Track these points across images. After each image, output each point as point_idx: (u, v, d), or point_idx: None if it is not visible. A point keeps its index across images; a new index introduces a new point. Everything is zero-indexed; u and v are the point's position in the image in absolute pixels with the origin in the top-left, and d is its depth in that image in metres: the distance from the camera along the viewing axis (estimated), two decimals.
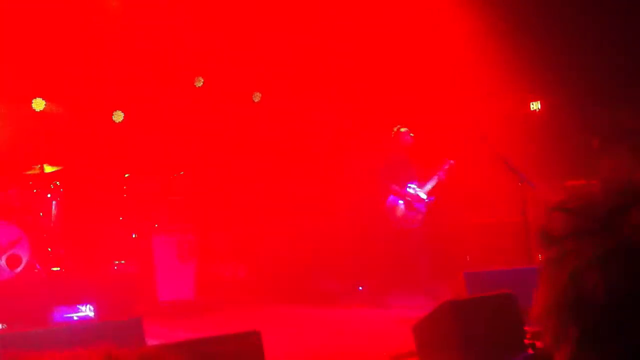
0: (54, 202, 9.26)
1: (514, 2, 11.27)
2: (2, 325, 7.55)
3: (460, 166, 9.16)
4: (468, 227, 10.42)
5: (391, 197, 8.84)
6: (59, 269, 9.06)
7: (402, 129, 8.97)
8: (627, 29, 10.79)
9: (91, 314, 8.45)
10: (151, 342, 5.72)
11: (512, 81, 11.07)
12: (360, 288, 10.47)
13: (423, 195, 8.87)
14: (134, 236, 9.78)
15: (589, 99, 11.27)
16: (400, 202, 8.78)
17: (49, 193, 9.26)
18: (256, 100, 12.19)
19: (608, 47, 11.02)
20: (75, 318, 8.33)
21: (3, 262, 8.67)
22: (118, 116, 11.26)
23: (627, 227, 0.78)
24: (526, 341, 5.66)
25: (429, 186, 8.96)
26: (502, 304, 6.05)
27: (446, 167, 8.94)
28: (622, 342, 0.75)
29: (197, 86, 11.79)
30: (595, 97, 11.23)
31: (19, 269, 8.70)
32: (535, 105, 12.31)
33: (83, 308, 8.49)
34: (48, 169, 9.37)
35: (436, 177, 9.05)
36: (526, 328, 5.84)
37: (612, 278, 0.76)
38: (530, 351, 5.59)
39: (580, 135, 11.29)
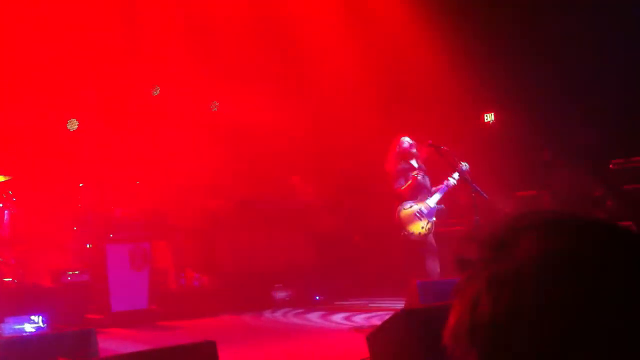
0: (6, 212, 9.11)
1: (472, 19, 11.49)
2: None
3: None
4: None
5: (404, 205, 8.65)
6: (10, 279, 8.91)
7: (405, 139, 8.68)
8: (581, 44, 11.08)
9: (43, 325, 8.34)
10: (105, 354, 5.68)
11: (466, 93, 11.26)
12: (317, 297, 10.52)
13: (432, 204, 8.73)
14: (88, 246, 9.66)
15: (541, 112, 11.52)
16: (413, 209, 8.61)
17: (0, 203, 9.11)
18: (214, 109, 12.20)
19: (560, 61, 11.29)
20: (27, 329, 8.21)
21: None
22: (72, 124, 11.14)
23: (515, 252, 0.83)
24: None
25: (438, 195, 8.68)
26: None
27: (459, 171, 8.47)
28: None
29: (154, 95, 11.74)
30: (547, 110, 11.48)
31: None
32: (489, 117, 12.54)
33: (35, 319, 8.37)
34: (0, 178, 9.22)
35: (445, 186, 8.70)
36: None
37: (501, 302, 0.80)
38: None
39: (532, 146, 11.52)
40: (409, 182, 8.60)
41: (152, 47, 11.28)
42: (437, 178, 8.72)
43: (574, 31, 11.15)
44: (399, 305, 8.78)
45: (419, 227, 8.50)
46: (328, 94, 11.54)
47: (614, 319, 0.78)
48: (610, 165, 10.41)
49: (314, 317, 9.39)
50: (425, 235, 8.52)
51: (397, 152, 8.69)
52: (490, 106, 12.43)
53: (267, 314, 9.75)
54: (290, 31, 11.45)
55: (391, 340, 5.87)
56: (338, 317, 9.26)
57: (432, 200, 8.60)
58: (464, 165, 8.58)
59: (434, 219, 8.60)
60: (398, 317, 6.01)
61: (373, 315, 9.12)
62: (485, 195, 8.42)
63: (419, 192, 8.62)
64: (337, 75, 11.37)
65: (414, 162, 8.74)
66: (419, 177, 8.60)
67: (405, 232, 8.46)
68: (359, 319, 9.09)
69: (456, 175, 8.54)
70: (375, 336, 6.06)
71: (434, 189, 8.66)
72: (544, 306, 0.79)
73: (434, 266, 8.48)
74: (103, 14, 10.78)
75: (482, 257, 0.86)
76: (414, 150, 8.69)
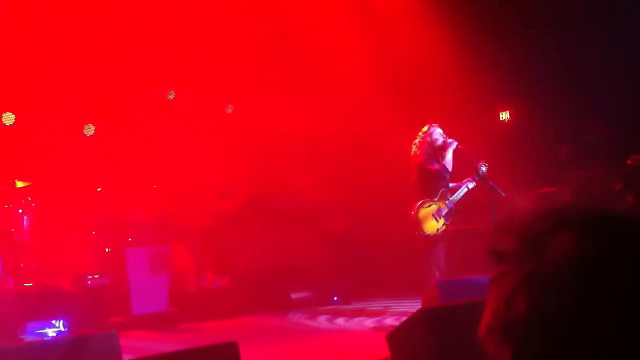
0: (25, 218, 9.20)
1: (486, 17, 11.47)
2: None
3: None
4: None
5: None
6: (31, 284, 8.99)
7: (439, 133, 8.38)
8: (594, 42, 11.03)
9: (64, 329, 8.41)
10: (127, 356, 5.72)
11: (482, 91, 11.23)
12: (336, 298, 10.52)
13: (451, 205, 8.38)
14: (107, 250, 9.74)
15: (559, 108, 11.48)
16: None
17: (20, 208, 9.19)
18: (228, 112, 12.24)
19: (577, 57, 11.24)
20: (49, 333, 8.29)
21: None
22: (89, 130, 11.23)
23: (550, 250, 0.83)
24: None
25: (457, 196, 8.43)
26: (476, 311, 6.13)
27: (480, 173, 8.33)
28: None
29: (169, 99, 11.80)
30: (564, 106, 11.43)
31: None
32: (505, 115, 12.51)
33: (56, 323, 8.45)
34: (20, 184, 9.31)
35: (465, 185, 8.47)
36: None
37: (536, 299, 0.81)
38: None
39: (550, 143, 11.48)
40: (439, 167, 8.39)
41: (166, 51, 11.34)
42: (453, 176, 8.62)
43: (589, 27, 11.10)
44: (415, 305, 8.72)
45: (435, 228, 8.33)
46: (342, 93, 11.54)
47: None
48: (629, 162, 10.34)
49: (334, 318, 9.39)
50: (440, 236, 8.39)
51: (430, 143, 8.41)
52: (506, 104, 12.40)
53: (287, 315, 9.77)
54: (301, 32, 11.47)
55: (412, 339, 5.86)
56: (357, 318, 9.26)
57: (451, 202, 8.42)
58: (484, 166, 8.46)
59: (450, 220, 8.48)
60: (419, 316, 6.01)
61: (390, 316, 9.12)
62: (502, 193, 8.36)
63: (438, 188, 8.45)
64: (349, 75, 11.36)
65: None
66: (444, 172, 8.46)
67: (420, 232, 8.36)
68: (377, 319, 9.07)
69: (476, 178, 8.44)
70: (396, 335, 6.06)
71: (452, 185, 8.55)
72: (579, 308, 0.79)
73: (438, 267, 8.30)
74: (118, 19, 10.85)
75: (518, 250, 0.85)
76: (443, 143, 8.46)
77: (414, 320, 6.01)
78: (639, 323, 0.78)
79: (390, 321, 8.52)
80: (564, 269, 0.81)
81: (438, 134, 8.44)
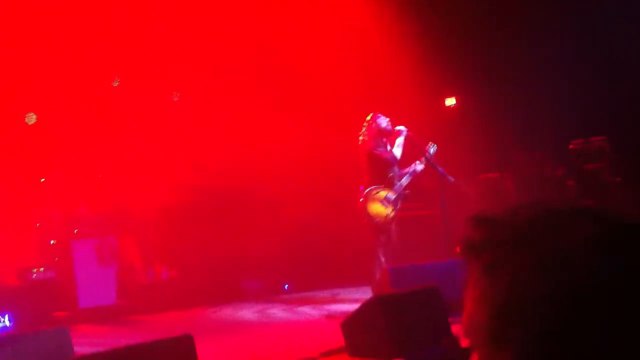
0: None
1: (433, 4, 11.57)
2: None
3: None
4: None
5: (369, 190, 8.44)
6: None
7: (384, 118, 8.48)
8: (540, 29, 11.24)
9: (8, 324, 8.22)
10: (79, 351, 5.62)
11: (428, 77, 11.33)
12: (286, 287, 10.52)
13: (399, 191, 8.45)
14: (52, 242, 9.51)
15: (503, 95, 11.67)
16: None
17: None
18: (175, 100, 12.06)
19: (521, 46, 11.44)
20: None
21: None
22: (31, 118, 10.92)
23: (569, 232, 0.84)
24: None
25: (405, 180, 8.52)
26: (427, 296, 6.23)
27: (427, 155, 8.50)
28: (565, 342, 0.80)
29: (113, 86, 11.56)
30: (508, 93, 11.63)
31: None
32: (450, 101, 12.66)
33: (0, 318, 8.25)
34: None
35: (413, 168, 8.57)
36: (450, 319, 6.04)
37: (552, 283, 0.81)
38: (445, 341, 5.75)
39: (494, 129, 11.67)
40: (388, 153, 8.46)
41: (112, 36, 11.08)
42: (402, 163, 8.69)
43: (532, 14, 11.29)
44: (365, 292, 8.78)
45: (383, 214, 8.38)
46: (297, 80, 11.48)
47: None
48: (570, 146, 10.61)
49: (286, 307, 9.38)
50: (389, 222, 8.46)
51: (376, 130, 8.48)
52: (451, 90, 12.54)
53: (238, 305, 9.71)
54: (259, 28, 11.43)
55: (366, 326, 5.92)
56: (308, 306, 9.27)
57: (400, 187, 8.51)
58: (432, 147, 8.59)
59: (398, 206, 8.57)
60: (372, 303, 6.06)
61: (340, 303, 9.17)
62: (451, 178, 8.48)
63: (387, 174, 8.49)
64: (304, 61, 11.35)
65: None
66: (392, 159, 8.52)
67: (368, 218, 8.40)
68: (329, 307, 9.09)
69: (424, 160, 8.56)
70: (350, 323, 6.11)
71: (399, 171, 8.60)
72: (596, 285, 0.80)
73: (385, 253, 8.37)
74: (59, 3, 10.57)
75: (512, 239, 0.85)
76: (390, 128, 8.55)
77: (367, 307, 6.06)
78: None
79: (342, 309, 8.55)
80: (578, 250, 0.82)
81: (382, 119, 8.53)
